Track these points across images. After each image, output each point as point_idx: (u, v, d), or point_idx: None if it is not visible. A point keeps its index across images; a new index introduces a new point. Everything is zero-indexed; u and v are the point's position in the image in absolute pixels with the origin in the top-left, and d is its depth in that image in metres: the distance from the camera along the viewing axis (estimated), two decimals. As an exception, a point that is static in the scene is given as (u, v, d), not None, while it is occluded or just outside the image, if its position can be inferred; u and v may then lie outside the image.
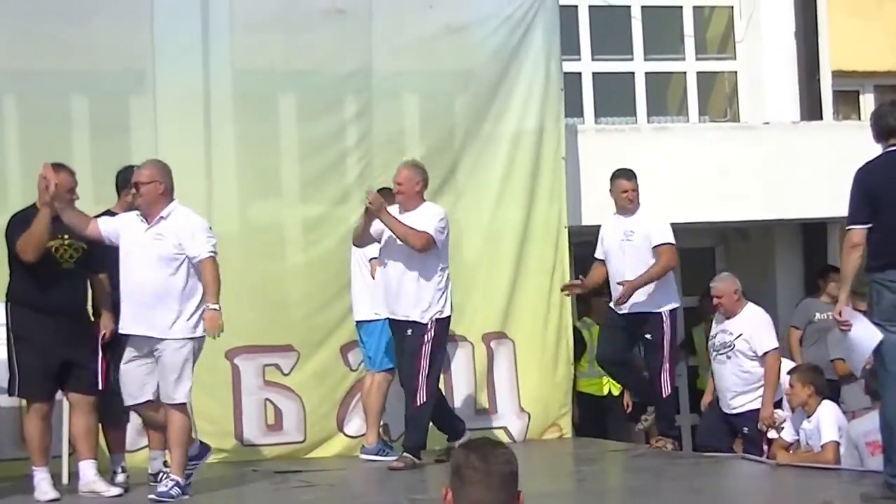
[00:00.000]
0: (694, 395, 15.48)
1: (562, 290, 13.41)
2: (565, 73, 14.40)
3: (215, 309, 10.10)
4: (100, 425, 11.06)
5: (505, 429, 13.74)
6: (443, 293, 11.74)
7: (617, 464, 12.89)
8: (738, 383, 12.57)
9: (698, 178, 14.94)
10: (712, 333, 12.93)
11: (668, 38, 16.22)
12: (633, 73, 15.98)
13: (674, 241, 12.56)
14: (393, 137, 13.60)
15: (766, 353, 12.46)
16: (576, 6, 15.48)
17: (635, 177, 12.68)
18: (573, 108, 15.04)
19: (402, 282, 11.60)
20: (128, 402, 10.45)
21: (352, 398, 13.26)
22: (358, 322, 12.79)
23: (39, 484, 10.50)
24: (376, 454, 12.46)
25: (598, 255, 12.87)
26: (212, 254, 10.17)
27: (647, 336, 12.70)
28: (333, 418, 13.32)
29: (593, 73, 15.75)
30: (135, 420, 11.47)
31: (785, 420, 12.25)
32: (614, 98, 15.96)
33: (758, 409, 12.39)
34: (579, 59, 15.52)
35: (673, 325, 12.76)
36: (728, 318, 12.72)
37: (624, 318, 12.64)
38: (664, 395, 12.72)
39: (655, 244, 12.49)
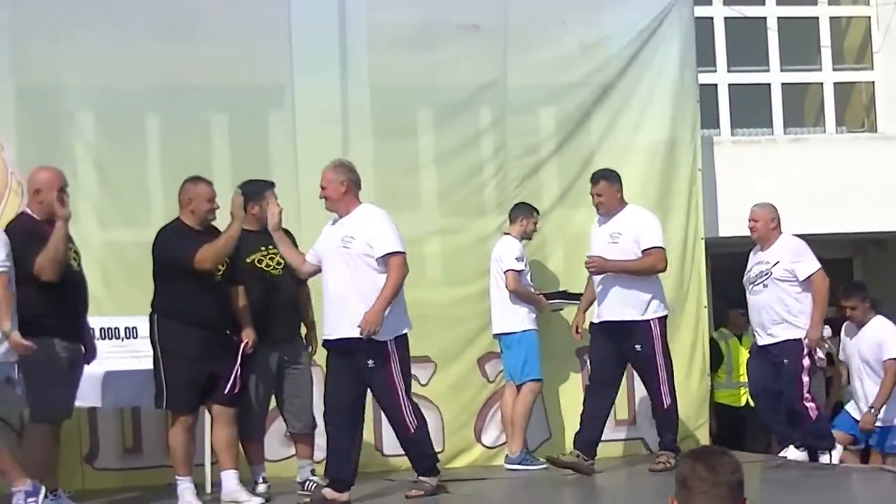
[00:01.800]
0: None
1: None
2: (701, 85, 14.27)
3: None
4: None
5: (642, 440, 13.61)
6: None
7: (754, 475, 12.55)
8: (777, 312, 12.23)
9: (835, 189, 14.68)
10: (748, 267, 12.56)
11: (804, 48, 15.88)
12: (769, 85, 15.62)
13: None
14: (528, 150, 13.52)
15: (809, 276, 12.17)
16: (711, 18, 15.21)
17: (603, 179, 12.01)
18: (709, 119, 14.79)
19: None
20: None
21: (489, 409, 13.23)
22: (497, 334, 12.80)
23: (183, 493, 10.51)
24: (519, 463, 12.47)
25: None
26: None
27: (637, 347, 11.93)
28: (471, 429, 13.28)
29: (729, 85, 15.42)
30: (279, 430, 11.61)
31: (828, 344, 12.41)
32: (751, 109, 15.65)
33: (796, 339, 12.07)
34: (715, 71, 15.22)
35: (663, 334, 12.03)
36: (763, 248, 12.44)
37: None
38: (665, 407, 11.98)
39: (644, 248, 11.88)
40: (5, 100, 12.44)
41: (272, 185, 11.04)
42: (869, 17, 15.88)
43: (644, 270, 11.79)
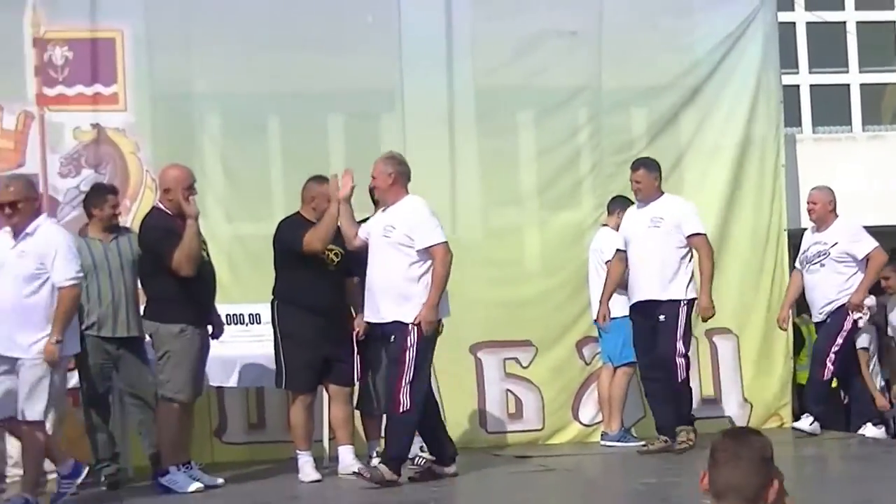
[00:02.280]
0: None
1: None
2: (784, 86, 14.32)
3: None
4: (357, 414, 11.40)
5: (729, 418, 13.63)
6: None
7: (834, 451, 12.79)
8: (832, 288, 12.44)
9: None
10: (804, 248, 12.74)
11: (882, 50, 15.98)
12: (848, 85, 15.82)
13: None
14: (621, 149, 13.57)
15: (868, 254, 12.45)
16: (794, 22, 15.39)
17: (642, 166, 12.09)
18: (792, 118, 14.94)
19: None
20: None
21: (585, 389, 13.36)
22: (597, 321, 12.76)
23: (304, 466, 10.82)
24: (618, 441, 12.64)
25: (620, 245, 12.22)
26: None
27: (661, 318, 11.88)
28: (569, 408, 13.41)
29: (810, 86, 15.63)
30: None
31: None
32: (831, 108, 15.78)
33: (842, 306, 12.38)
34: (797, 73, 15.42)
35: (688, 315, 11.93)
36: (819, 229, 12.66)
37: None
38: (679, 380, 11.86)
39: (689, 234, 11.86)
40: (142, 105, 12.76)
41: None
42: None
43: (712, 271, 11.94)
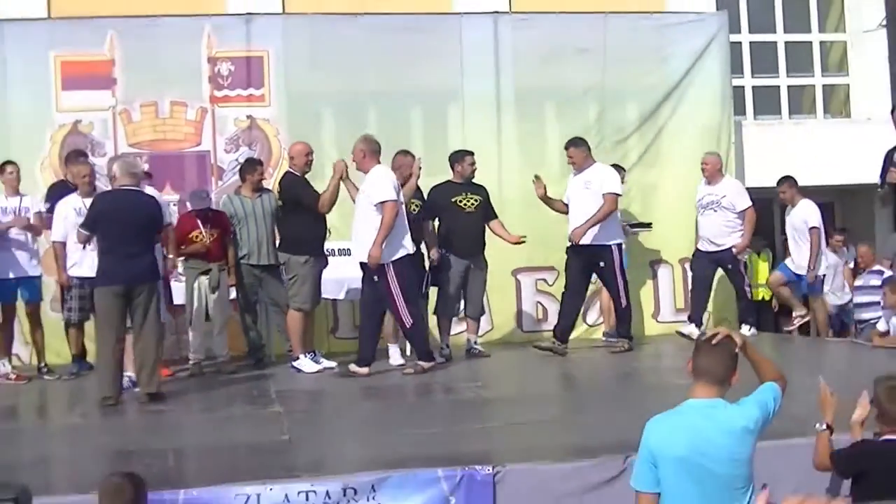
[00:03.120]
0: None
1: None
2: (734, 86, 13.51)
3: None
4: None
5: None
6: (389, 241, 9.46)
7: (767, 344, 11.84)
8: (723, 230, 11.53)
9: (809, 156, 13.90)
10: (699, 196, 11.75)
11: (803, 61, 14.93)
12: (778, 86, 14.79)
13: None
14: (618, 131, 12.88)
15: (744, 210, 11.55)
16: (740, 42, 14.41)
17: (571, 145, 10.89)
18: (739, 109, 14.01)
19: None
20: None
21: (591, 300, 12.44)
22: None
23: (393, 354, 10.39)
24: (612, 338, 11.79)
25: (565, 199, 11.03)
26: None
27: (601, 264, 10.69)
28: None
29: (752, 87, 14.66)
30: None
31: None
32: (766, 102, 14.73)
33: (732, 247, 11.56)
34: (743, 76, 14.49)
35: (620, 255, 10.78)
36: (711, 183, 11.69)
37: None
38: (623, 306, 10.83)
39: (604, 192, 10.59)
40: (280, 102, 12.32)
41: (471, 153, 10.97)
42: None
43: (606, 216, 10.51)
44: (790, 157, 13.60)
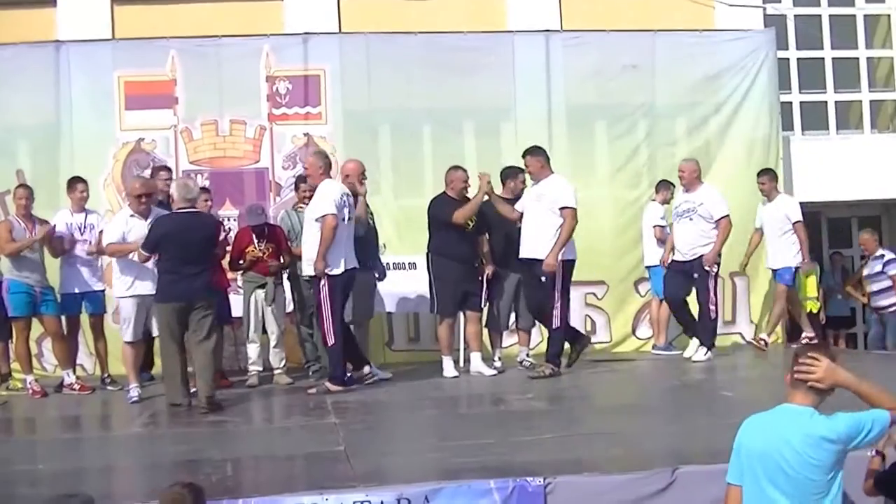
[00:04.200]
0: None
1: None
2: (781, 102, 13.38)
3: None
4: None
5: (740, 334, 12.84)
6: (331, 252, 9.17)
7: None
8: (696, 238, 10.85)
9: (852, 170, 13.81)
10: (676, 203, 11.28)
11: (850, 77, 14.70)
12: (826, 102, 14.50)
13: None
14: (667, 146, 12.80)
15: (720, 219, 10.85)
16: (788, 58, 14.19)
17: (529, 154, 10.36)
18: (787, 124, 13.84)
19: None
20: None
21: (641, 314, 12.58)
22: (647, 266, 12.22)
23: (447, 366, 10.31)
24: (664, 350, 11.89)
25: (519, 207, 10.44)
26: None
27: (542, 279, 9.96)
28: (629, 326, 12.67)
29: (800, 102, 14.41)
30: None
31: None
32: (814, 118, 14.45)
33: (701, 256, 10.82)
34: (790, 93, 14.26)
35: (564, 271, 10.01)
36: (688, 191, 11.09)
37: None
38: (554, 327, 10.02)
39: (560, 206, 9.98)
40: (337, 119, 12.37)
41: (522, 170, 10.63)
42: None
43: (570, 233, 9.99)
44: (837, 172, 13.51)
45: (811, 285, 13.53)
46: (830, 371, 4.46)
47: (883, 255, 12.23)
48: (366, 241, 10.02)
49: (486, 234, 10.61)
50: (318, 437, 7.33)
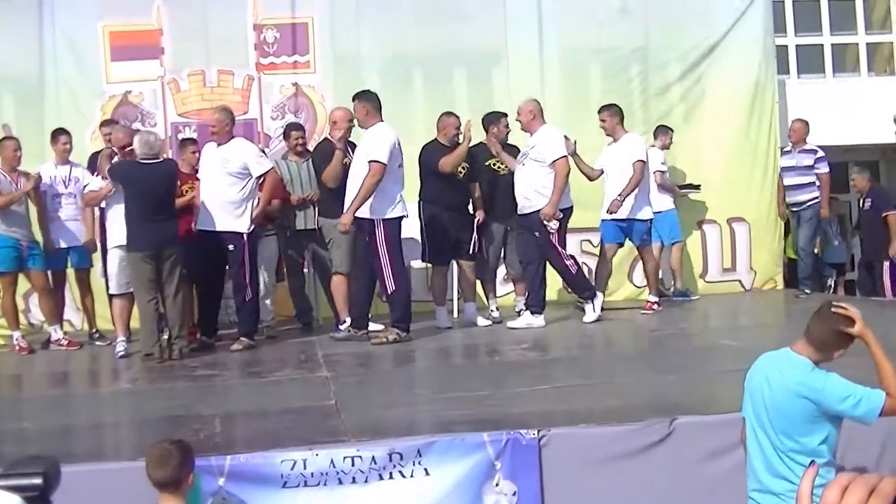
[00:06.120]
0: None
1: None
2: (777, 45, 13.14)
3: None
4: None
5: (739, 281, 12.67)
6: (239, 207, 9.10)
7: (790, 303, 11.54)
8: (526, 189, 9.69)
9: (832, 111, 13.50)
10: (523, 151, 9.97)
11: (847, 19, 14.44)
12: (822, 45, 14.26)
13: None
14: (662, 91, 12.61)
15: (554, 161, 9.54)
16: (782, 1, 13.97)
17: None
18: (782, 67, 13.55)
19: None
20: None
21: (636, 261, 12.17)
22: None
23: (440, 316, 10.21)
24: (682, 296, 11.93)
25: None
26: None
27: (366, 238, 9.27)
28: (624, 274, 12.45)
29: (795, 45, 14.17)
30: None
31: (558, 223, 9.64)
32: (810, 61, 14.24)
33: (537, 212, 9.63)
34: (786, 35, 14.01)
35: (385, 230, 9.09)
36: (531, 134, 9.86)
37: None
38: (389, 291, 9.13)
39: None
40: (326, 68, 12.18)
41: (505, 115, 10.46)
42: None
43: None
44: (834, 116, 13.27)
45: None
46: (863, 324, 4.39)
47: (815, 150, 11.68)
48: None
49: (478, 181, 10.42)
50: (308, 391, 7.18)
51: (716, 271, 12.64)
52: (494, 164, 10.40)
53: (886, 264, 11.87)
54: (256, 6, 12.10)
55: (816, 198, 11.56)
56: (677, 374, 7.31)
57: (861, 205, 12.45)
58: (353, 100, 9.45)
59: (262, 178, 9.31)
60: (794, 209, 11.76)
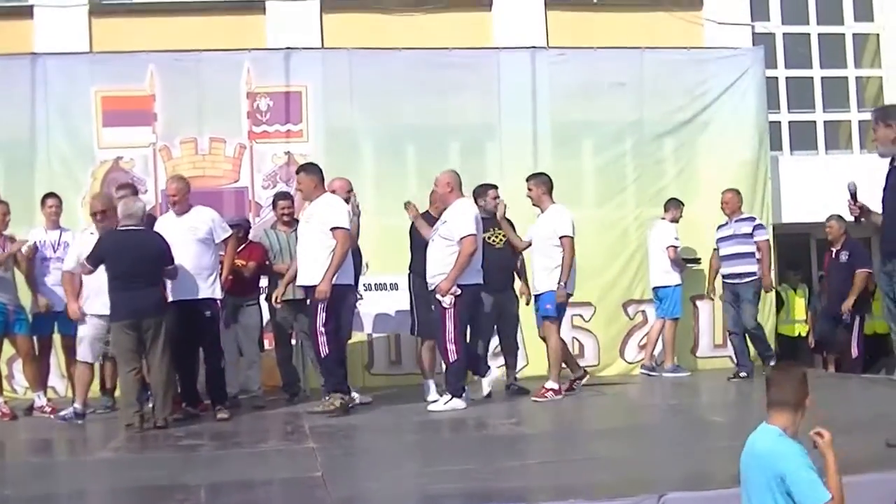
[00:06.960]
0: None
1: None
2: (770, 122, 13.39)
3: None
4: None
5: (730, 357, 12.33)
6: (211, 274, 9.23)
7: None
8: (436, 263, 9.38)
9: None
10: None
11: (839, 96, 14.66)
12: (815, 121, 14.46)
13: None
14: (655, 166, 12.78)
15: (462, 238, 9.22)
16: (777, 77, 14.18)
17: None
18: (775, 144, 13.81)
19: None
20: None
21: (629, 337, 12.49)
22: (655, 287, 12.10)
23: (428, 389, 10.15)
24: (673, 372, 11.86)
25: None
26: None
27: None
28: (616, 350, 12.52)
29: (789, 122, 14.37)
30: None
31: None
32: (803, 138, 14.42)
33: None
34: (779, 112, 14.23)
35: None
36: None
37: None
38: (322, 357, 9.09)
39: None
40: (319, 137, 12.26)
41: (494, 186, 10.59)
42: None
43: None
44: (827, 192, 13.24)
45: (799, 307, 13.47)
46: (827, 445, 4.48)
47: (753, 218, 11.68)
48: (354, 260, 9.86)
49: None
50: (295, 463, 7.17)
51: (707, 347, 12.70)
52: (490, 238, 10.33)
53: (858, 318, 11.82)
54: (250, 74, 12.22)
55: (754, 273, 11.43)
56: (667, 449, 7.32)
57: (834, 255, 12.23)
58: (298, 172, 9.65)
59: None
60: (732, 282, 11.52)
